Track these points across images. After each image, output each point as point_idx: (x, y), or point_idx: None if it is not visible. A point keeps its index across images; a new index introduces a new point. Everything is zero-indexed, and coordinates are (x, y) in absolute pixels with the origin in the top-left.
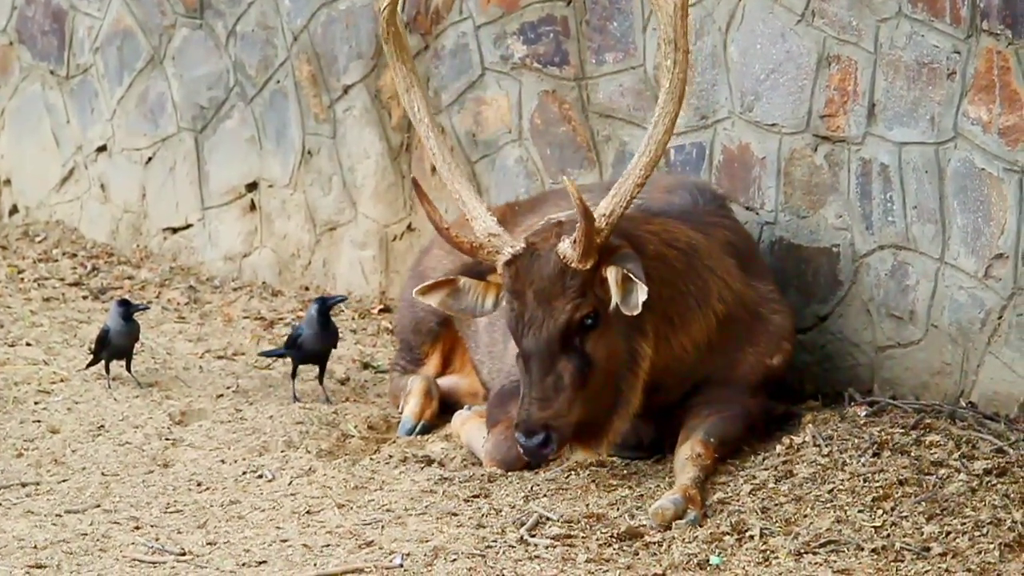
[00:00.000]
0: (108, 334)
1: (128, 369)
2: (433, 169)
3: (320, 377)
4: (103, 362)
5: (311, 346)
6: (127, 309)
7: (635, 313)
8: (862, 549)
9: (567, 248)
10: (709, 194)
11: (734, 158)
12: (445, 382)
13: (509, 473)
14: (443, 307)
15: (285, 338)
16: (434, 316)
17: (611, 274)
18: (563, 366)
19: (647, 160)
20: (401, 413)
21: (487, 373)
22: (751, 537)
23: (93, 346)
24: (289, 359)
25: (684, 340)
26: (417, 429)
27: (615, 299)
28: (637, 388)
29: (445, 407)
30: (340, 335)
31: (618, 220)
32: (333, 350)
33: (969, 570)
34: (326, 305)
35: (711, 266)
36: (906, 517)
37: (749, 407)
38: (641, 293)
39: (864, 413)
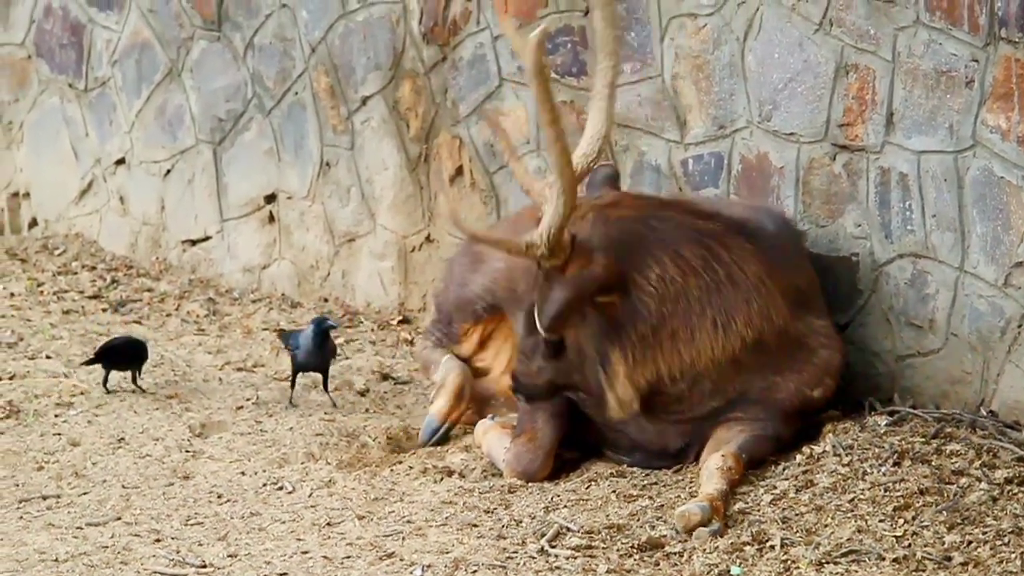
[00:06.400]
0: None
1: (134, 381)
2: (451, 180)
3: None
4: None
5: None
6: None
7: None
8: (883, 559)
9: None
10: (794, 232)
11: (752, 167)
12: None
13: (529, 484)
14: None
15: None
16: (482, 299)
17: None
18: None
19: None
20: (431, 386)
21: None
22: (772, 547)
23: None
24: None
25: (694, 353)
26: (441, 431)
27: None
28: (617, 386)
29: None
30: (361, 347)
31: (568, 212)
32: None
33: None
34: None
35: (748, 299)
36: (927, 526)
37: (780, 432)
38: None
39: (884, 422)
